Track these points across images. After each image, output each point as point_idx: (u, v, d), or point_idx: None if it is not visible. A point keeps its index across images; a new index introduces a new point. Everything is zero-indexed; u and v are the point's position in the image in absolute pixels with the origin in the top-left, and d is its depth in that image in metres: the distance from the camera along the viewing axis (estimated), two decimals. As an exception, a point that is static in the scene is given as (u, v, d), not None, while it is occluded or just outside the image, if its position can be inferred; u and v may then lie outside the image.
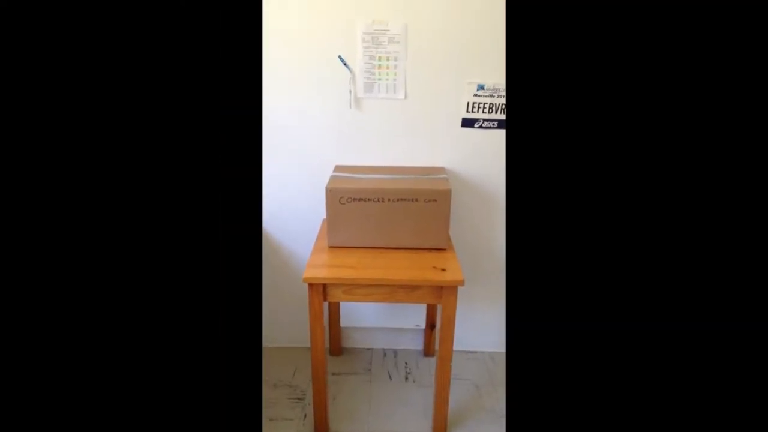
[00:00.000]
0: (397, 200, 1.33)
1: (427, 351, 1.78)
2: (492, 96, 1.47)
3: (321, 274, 1.24)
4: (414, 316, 1.75)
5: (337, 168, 1.49)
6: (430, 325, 1.73)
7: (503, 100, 1.47)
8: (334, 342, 1.75)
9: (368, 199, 1.33)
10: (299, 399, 1.57)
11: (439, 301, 1.24)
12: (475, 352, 1.82)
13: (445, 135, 1.52)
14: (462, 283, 1.20)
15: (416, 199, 1.32)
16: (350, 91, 1.47)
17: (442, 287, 1.22)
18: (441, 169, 1.51)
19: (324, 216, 1.50)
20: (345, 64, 1.44)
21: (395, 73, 1.45)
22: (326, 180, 1.40)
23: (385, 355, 1.79)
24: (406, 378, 1.68)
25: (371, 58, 1.44)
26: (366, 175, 1.43)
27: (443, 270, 1.25)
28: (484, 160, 1.54)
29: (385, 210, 1.33)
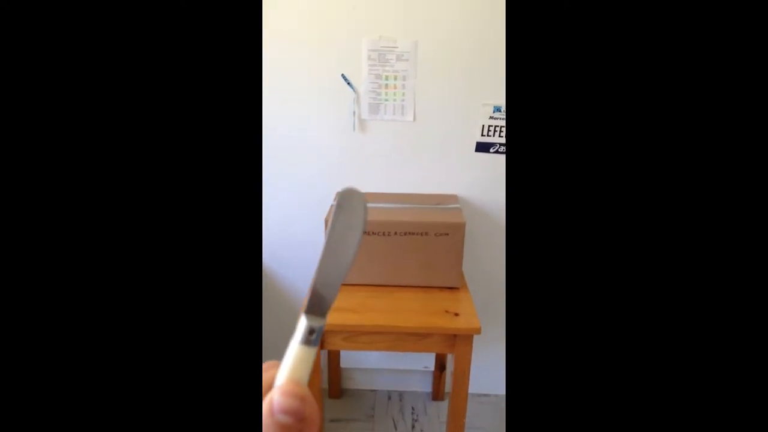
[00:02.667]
0: (405, 234, 1.19)
1: (436, 395, 1.62)
2: (509, 118, 1.34)
3: (319, 317, 1.10)
4: (422, 355, 1.60)
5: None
6: (440, 366, 1.57)
7: (521, 123, 1.34)
8: (334, 383, 1.60)
9: (373, 233, 1.19)
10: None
11: (452, 350, 1.09)
12: (489, 395, 1.66)
13: (457, 160, 1.39)
14: (478, 331, 1.06)
15: (426, 233, 1.19)
16: (354, 113, 1.35)
17: (455, 335, 1.08)
18: (453, 197, 1.38)
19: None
20: (348, 83, 1.32)
21: (403, 94, 1.33)
22: (327, 209, 1.27)
23: (389, 398, 1.64)
24: (413, 426, 1.52)
25: (377, 77, 1.32)
26: (371, 203, 1.29)
27: (456, 315, 1.10)
28: (500, 187, 1.41)
29: (392, 244, 1.20)
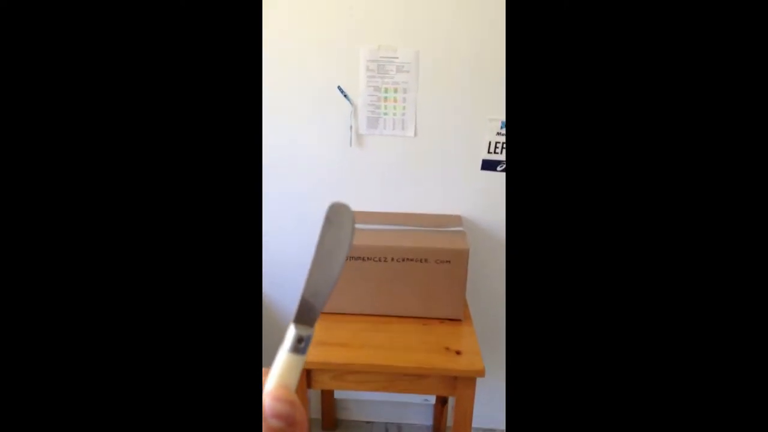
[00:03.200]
0: (403, 260, 1.09)
1: (438, 429, 1.50)
2: (518, 134, 1.24)
3: (306, 353, 1.00)
4: (422, 386, 1.49)
5: (334, 215, 1.27)
6: (442, 400, 1.46)
7: (532, 140, 1.24)
8: (328, 414, 1.49)
9: (367, 258, 1.09)
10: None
11: (453, 393, 0.98)
12: (494, 430, 1.54)
13: (461, 179, 1.29)
14: (482, 373, 0.95)
15: (426, 260, 1.09)
16: (351, 127, 1.25)
17: (456, 377, 0.97)
18: (456, 219, 1.28)
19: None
20: (345, 95, 1.23)
21: (404, 107, 1.24)
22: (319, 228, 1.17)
23: (387, 431, 1.53)
24: (412, 464, 1.41)
25: (376, 89, 1.23)
26: (367, 225, 1.20)
27: (458, 353, 1.00)
28: (507, 208, 1.30)
29: (388, 271, 1.10)
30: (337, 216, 0.21)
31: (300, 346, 0.20)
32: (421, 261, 1.09)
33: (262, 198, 1.33)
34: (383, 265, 1.09)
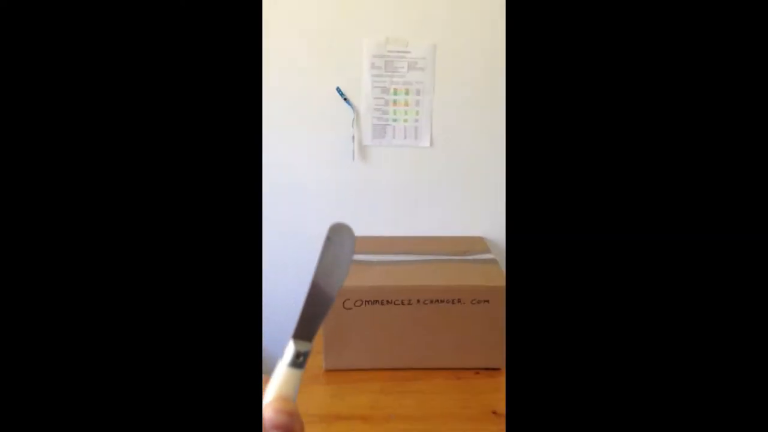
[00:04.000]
0: (432, 302, 0.88)
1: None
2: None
3: (317, 432, 0.77)
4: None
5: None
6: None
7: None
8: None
9: (387, 302, 0.88)
10: None
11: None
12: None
13: (484, 194, 1.10)
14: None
15: (459, 300, 0.88)
16: (353, 138, 1.04)
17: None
18: (480, 242, 1.08)
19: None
20: (345, 99, 1.01)
21: (417, 112, 1.03)
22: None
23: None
24: None
25: (383, 90, 1.01)
26: (380, 255, 0.98)
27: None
28: (537, 228, 1.13)
29: (414, 316, 0.88)
30: (338, 235, 0.22)
31: (299, 360, 0.21)
32: (453, 302, 0.88)
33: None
34: (408, 309, 0.88)
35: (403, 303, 0.88)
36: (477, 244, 1.07)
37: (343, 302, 0.88)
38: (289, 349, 0.21)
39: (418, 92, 1.02)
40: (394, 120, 1.04)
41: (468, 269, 0.94)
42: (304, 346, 0.21)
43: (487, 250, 1.04)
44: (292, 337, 0.21)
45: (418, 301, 0.88)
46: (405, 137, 1.05)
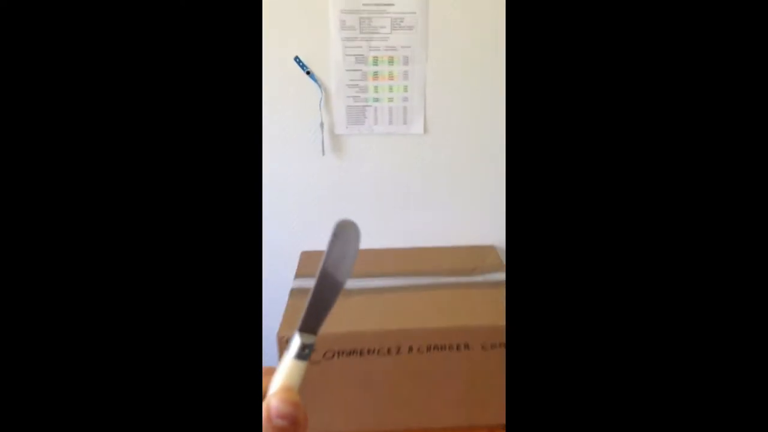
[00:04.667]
0: (430, 349, 0.66)
1: None
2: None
3: None
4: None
5: (305, 262, 0.81)
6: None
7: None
8: None
9: (369, 351, 0.65)
10: None
11: None
12: None
13: (495, 193, 0.85)
14: None
15: (466, 345, 0.66)
16: (321, 125, 0.79)
17: None
18: (491, 252, 0.85)
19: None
20: (308, 72, 0.76)
21: (405, 88, 0.78)
22: (283, 287, 0.71)
23: None
24: None
25: (359, 59, 0.76)
26: (358, 280, 0.75)
27: None
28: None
29: (405, 368, 0.66)
30: (344, 231, 0.22)
31: (304, 353, 0.21)
32: (459, 348, 0.66)
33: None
34: (396, 360, 0.66)
35: (389, 352, 0.66)
36: (487, 256, 0.84)
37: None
38: (295, 342, 0.22)
39: (405, 61, 0.76)
40: (376, 99, 0.79)
41: (477, 298, 0.71)
42: (310, 339, 0.22)
43: (501, 267, 0.80)
44: (298, 330, 0.22)
45: (411, 349, 0.66)
46: (391, 122, 0.80)
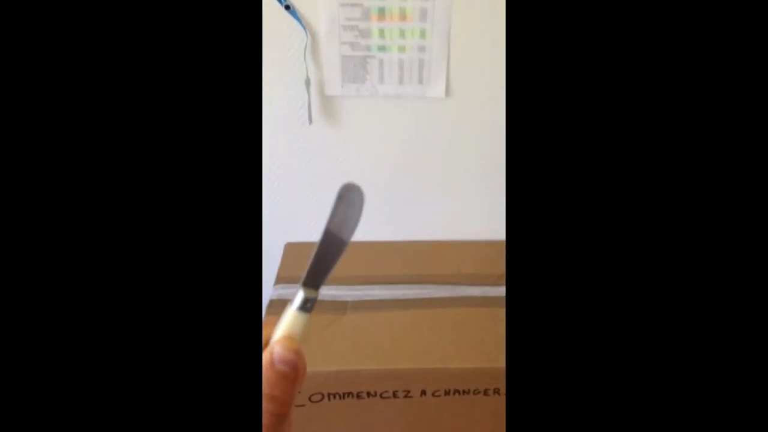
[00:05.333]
0: (446, 394, 0.51)
1: None
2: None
3: None
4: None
5: (289, 257, 0.64)
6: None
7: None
8: None
9: (372, 394, 0.50)
10: None
11: None
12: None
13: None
14: None
15: (496, 391, 0.50)
16: (307, 83, 0.58)
17: None
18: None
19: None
20: (287, 6, 0.54)
21: (423, 33, 0.57)
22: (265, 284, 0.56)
23: None
24: None
25: (355, 3, 0.54)
26: (352, 288, 0.59)
27: None
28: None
29: (415, 414, 0.52)
30: (349, 193, 0.23)
31: (307, 306, 0.23)
32: (482, 393, 0.50)
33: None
34: (402, 404, 0.51)
35: (395, 396, 0.51)
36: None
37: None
38: (299, 296, 0.23)
39: (422, 11, 0.55)
40: (381, 48, 0.58)
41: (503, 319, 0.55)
42: (312, 294, 0.23)
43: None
44: (302, 285, 0.23)
45: (424, 393, 0.51)
46: (401, 80, 0.59)
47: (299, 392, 0.22)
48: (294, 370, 0.21)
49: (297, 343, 0.22)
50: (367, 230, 0.57)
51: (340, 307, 0.56)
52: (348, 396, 0.50)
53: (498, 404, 0.51)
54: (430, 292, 0.59)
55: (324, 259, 0.23)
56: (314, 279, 0.23)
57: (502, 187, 0.66)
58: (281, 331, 0.22)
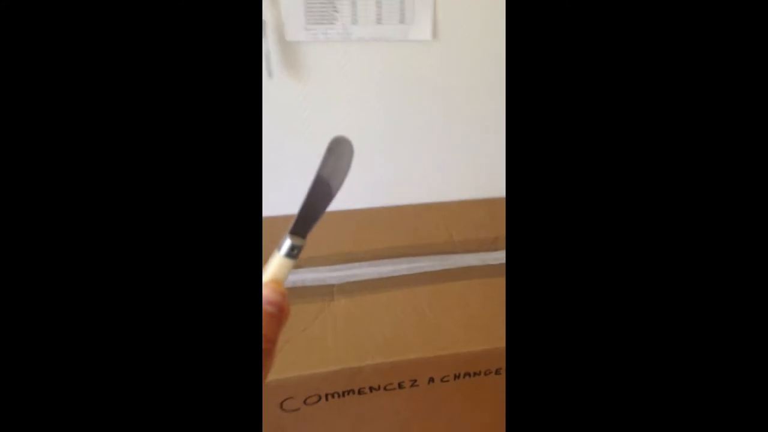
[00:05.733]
0: (454, 378, 0.46)
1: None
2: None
3: None
4: None
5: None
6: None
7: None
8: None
9: (376, 388, 0.45)
10: None
11: None
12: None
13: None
14: None
15: (498, 371, 0.47)
16: (263, 26, 0.47)
17: None
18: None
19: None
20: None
21: (403, -42, 0.46)
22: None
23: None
24: None
25: None
26: (338, 269, 0.52)
27: None
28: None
29: (422, 402, 0.47)
30: (338, 146, 0.24)
31: (293, 252, 0.23)
32: (488, 373, 0.47)
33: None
34: (407, 394, 0.46)
35: (401, 386, 0.46)
36: (499, 212, 0.62)
37: (282, 402, 0.44)
38: (286, 242, 0.23)
39: None
40: (353, -21, 0.47)
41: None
42: (300, 241, 0.24)
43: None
44: (289, 233, 0.24)
45: (431, 380, 0.46)
46: (379, 21, 0.49)
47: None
48: (280, 311, 0.22)
49: (282, 286, 0.23)
50: (342, 197, 0.49)
51: (325, 291, 0.50)
52: (349, 393, 0.44)
53: (496, 383, 0.48)
54: (423, 266, 0.54)
55: (313, 208, 0.24)
56: (302, 227, 0.24)
57: (495, 143, 0.60)
58: (268, 275, 0.23)
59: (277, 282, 0.23)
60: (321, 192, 0.24)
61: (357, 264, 0.53)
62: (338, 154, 0.24)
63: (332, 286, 0.50)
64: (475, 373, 0.46)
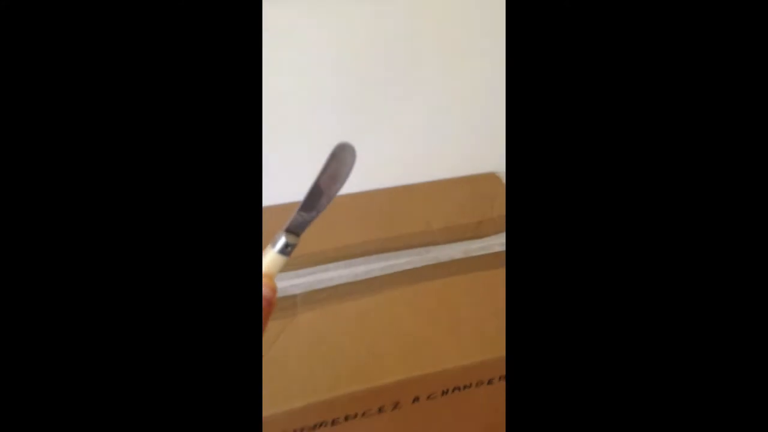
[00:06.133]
0: (442, 394, 0.40)
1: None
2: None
3: None
4: None
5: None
6: None
7: None
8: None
9: (352, 416, 0.39)
10: None
11: None
12: None
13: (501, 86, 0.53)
14: None
15: (502, 378, 0.41)
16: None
17: None
18: (494, 182, 0.56)
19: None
20: None
21: None
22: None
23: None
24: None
25: None
26: (305, 273, 0.44)
27: None
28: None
29: (409, 423, 0.41)
30: (342, 152, 0.24)
31: (287, 250, 0.24)
32: (481, 384, 0.41)
33: None
34: (394, 415, 0.40)
35: (380, 411, 0.40)
36: (495, 196, 0.55)
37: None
38: (281, 240, 0.24)
39: None
40: None
41: (497, 285, 0.45)
42: (294, 240, 0.24)
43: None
44: (285, 231, 0.24)
45: (416, 399, 0.40)
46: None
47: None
48: (270, 305, 0.24)
49: (272, 281, 0.24)
50: (304, 185, 0.40)
51: (287, 304, 0.42)
52: (321, 426, 0.38)
53: (502, 392, 0.42)
54: (401, 263, 0.46)
55: (310, 210, 0.25)
56: (297, 227, 0.25)
57: (472, 104, 0.52)
58: (261, 269, 0.24)
59: (269, 276, 0.24)
60: (320, 197, 0.25)
61: (324, 266, 0.46)
62: (341, 159, 0.25)
63: (295, 296, 0.43)
64: (465, 386, 0.40)
